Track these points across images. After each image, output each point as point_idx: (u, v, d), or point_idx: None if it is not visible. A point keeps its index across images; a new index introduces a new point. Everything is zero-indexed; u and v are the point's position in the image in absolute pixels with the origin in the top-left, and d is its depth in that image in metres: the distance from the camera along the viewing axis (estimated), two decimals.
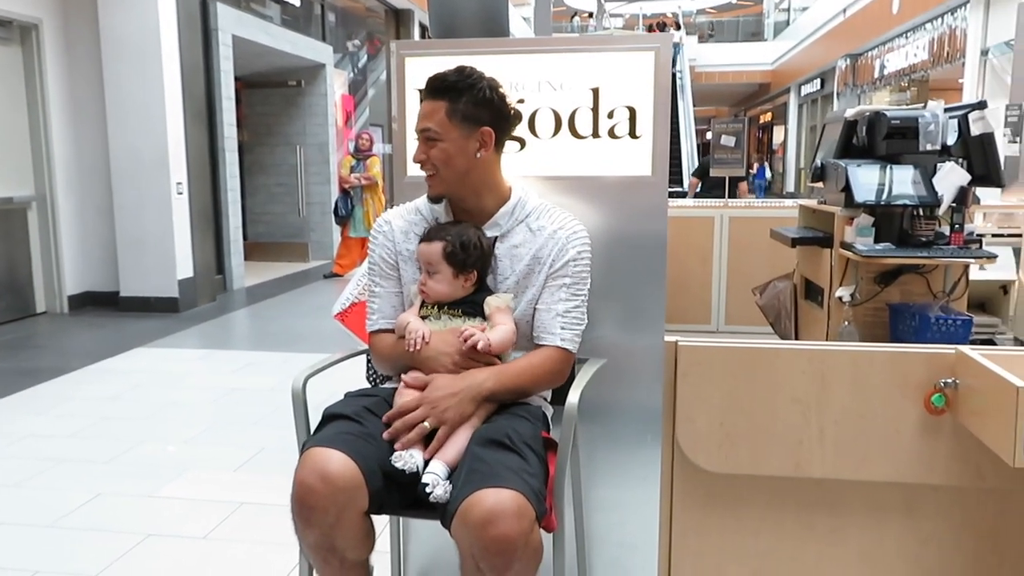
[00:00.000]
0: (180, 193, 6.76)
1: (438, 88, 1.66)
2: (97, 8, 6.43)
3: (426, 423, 1.54)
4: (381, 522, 1.65)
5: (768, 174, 21.68)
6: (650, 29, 22.76)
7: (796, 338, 3.28)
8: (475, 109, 1.65)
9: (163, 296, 6.68)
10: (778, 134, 24.97)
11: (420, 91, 1.72)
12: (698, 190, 9.23)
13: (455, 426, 1.55)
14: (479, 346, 1.61)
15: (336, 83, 10.62)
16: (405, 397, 1.61)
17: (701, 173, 9.36)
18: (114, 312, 6.67)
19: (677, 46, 19.13)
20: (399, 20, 12.80)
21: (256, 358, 5.20)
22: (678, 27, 22.11)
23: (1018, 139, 5.14)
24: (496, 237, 1.73)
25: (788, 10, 23.97)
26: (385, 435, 1.55)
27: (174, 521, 2.78)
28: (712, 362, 1.89)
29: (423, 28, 13.30)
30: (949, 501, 1.87)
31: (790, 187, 21.81)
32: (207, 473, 3.23)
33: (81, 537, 2.67)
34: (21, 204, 6.38)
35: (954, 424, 1.76)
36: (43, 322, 6.42)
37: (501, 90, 1.70)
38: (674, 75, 15.81)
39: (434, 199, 1.73)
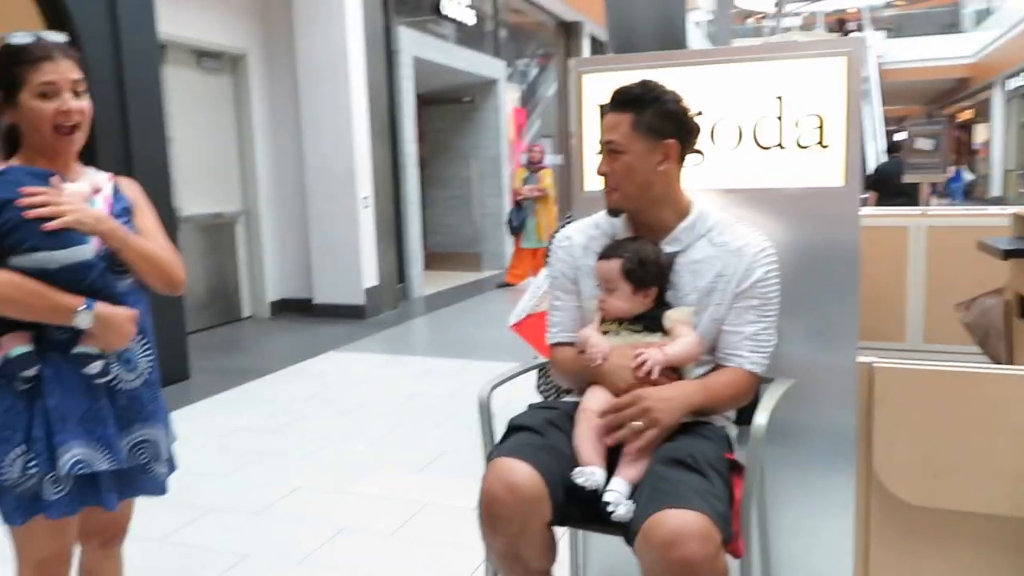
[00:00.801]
0: (366, 206, 7.20)
1: (623, 101, 1.67)
2: (294, 37, 7.00)
3: (639, 423, 1.54)
4: (559, 535, 1.67)
5: (968, 176, 19.84)
6: (831, 30, 21.53)
7: (1009, 361, 2.98)
8: (660, 122, 1.65)
9: (351, 303, 7.14)
10: (979, 133, 22.82)
11: (602, 105, 1.74)
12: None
13: (664, 431, 1.55)
14: (653, 374, 1.59)
15: (508, 97, 10.90)
16: (592, 401, 1.63)
17: (877, 182, 7.65)
18: (308, 317, 7.20)
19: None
20: (569, 33, 12.94)
21: (435, 364, 5.42)
22: (860, 27, 20.78)
23: None
24: (676, 252, 1.71)
25: None
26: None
27: (364, 516, 2.96)
28: (913, 386, 1.76)
29: (593, 40, 13.36)
30: None
31: (995, 191, 19.87)
32: (394, 472, 3.41)
33: (283, 526, 2.91)
34: (231, 218, 7.05)
35: None
36: (248, 326, 7.04)
37: (684, 103, 1.69)
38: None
39: (613, 212, 1.74)
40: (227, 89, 6.99)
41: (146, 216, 1.71)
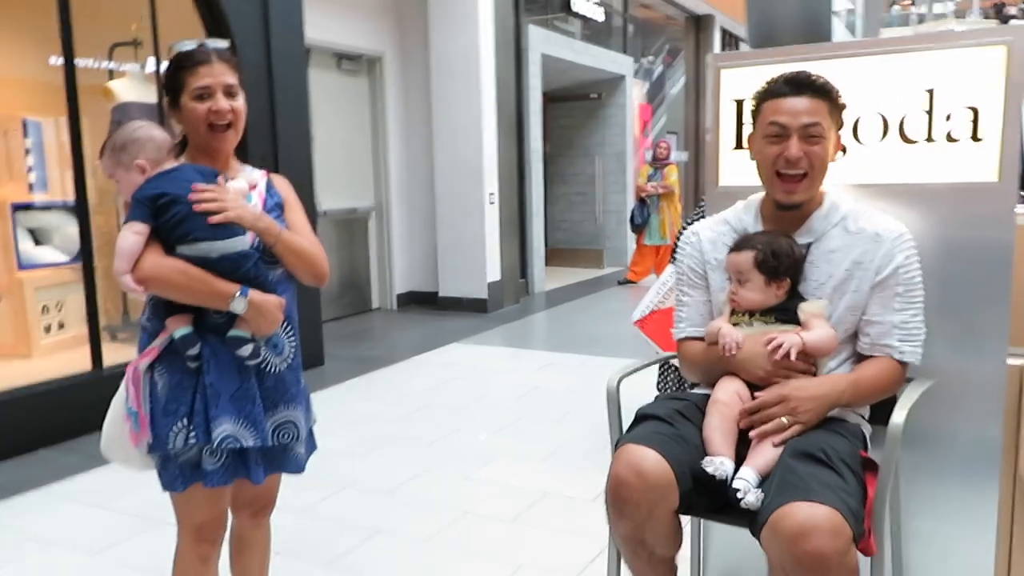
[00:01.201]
0: (492, 202, 7.35)
1: (816, 87, 1.64)
2: (428, 38, 7.23)
3: (784, 419, 1.55)
4: (684, 524, 1.69)
5: None
6: (987, 16, 20.03)
7: None
8: (839, 113, 1.68)
9: (474, 297, 7.32)
10: None
11: (776, 87, 1.67)
12: None
13: (809, 426, 1.55)
14: (791, 354, 1.58)
15: (635, 93, 10.82)
16: (723, 393, 1.64)
17: None
18: (433, 310, 7.44)
19: None
20: (699, 27, 12.70)
21: (555, 359, 5.49)
22: (1022, 12, 19.25)
23: None
24: (810, 243, 1.69)
25: None
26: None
27: (487, 502, 3.06)
28: None
29: (724, 34, 13.05)
30: None
31: None
32: (515, 462, 3.49)
33: (412, 506, 3.04)
34: (364, 214, 7.37)
35: None
36: (377, 317, 7.35)
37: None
38: None
39: (794, 205, 1.68)
40: (364, 90, 7.31)
41: (296, 212, 1.82)
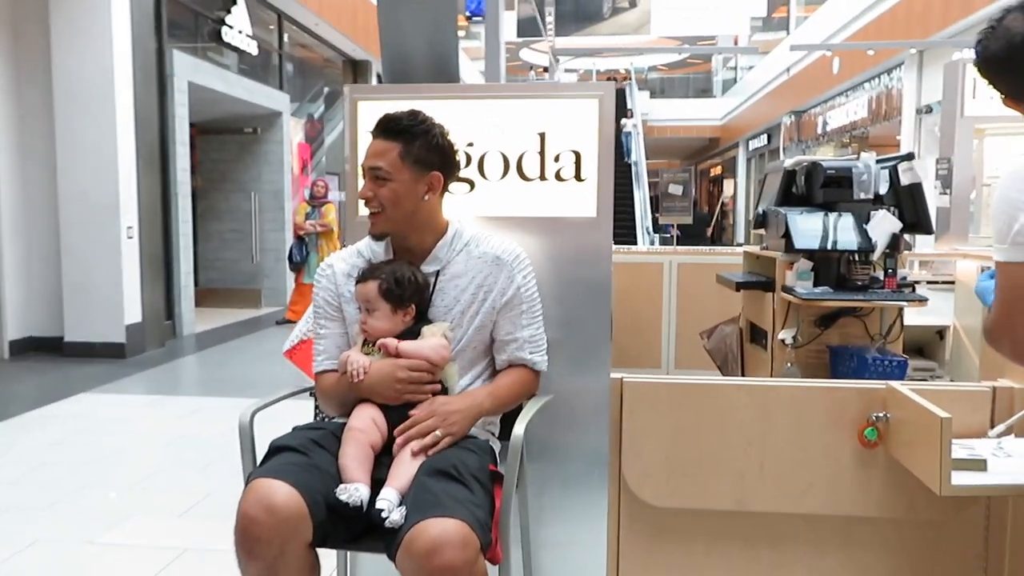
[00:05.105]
0: (130, 237, 6.68)
1: (392, 129, 1.71)
2: (50, 51, 6.41)
3: (438, 431, 1.61)
4: (327, 563, 1.64)
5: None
6: None
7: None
8: (427, 154, 1.72)
9: (110, 341, 6.54)
10: (728, 187, 25.64)
11: (371, 131, 1.76)
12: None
13: (458, 438, 1.64)
14: (389, 347, 1.68)
15: (293, 131, 10.66)
16: (358, 420, 1.64)
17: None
18: (58, 358, 6.50)
19: (627, 95, 19.59)
20: (356, 71, 12.97)
21: (205, 403, 5.10)
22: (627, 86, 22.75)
23: (948, 191, 5.38)
24: (438, 271, 1.77)
25: (736, 68, 24.86)
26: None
27: (115, 568, 2.70)
28: (657, 397, 1.94)
29: (379, 78, 13.48)
30: (885, 533, 1.92)
31: (740, 238, 22.34)
32: (150, 519, 3.14)
33: None
34: None
35: (887, 457, 1.83)
36: None
37: (450, 137, 1.77)
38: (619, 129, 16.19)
39: (377, 236, 1.78)
40: None
41: None
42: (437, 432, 1.61)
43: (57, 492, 3.41)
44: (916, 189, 3.09)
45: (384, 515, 1.47)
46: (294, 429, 1.69)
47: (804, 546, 1.94)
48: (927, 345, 4.25)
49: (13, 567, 2.70)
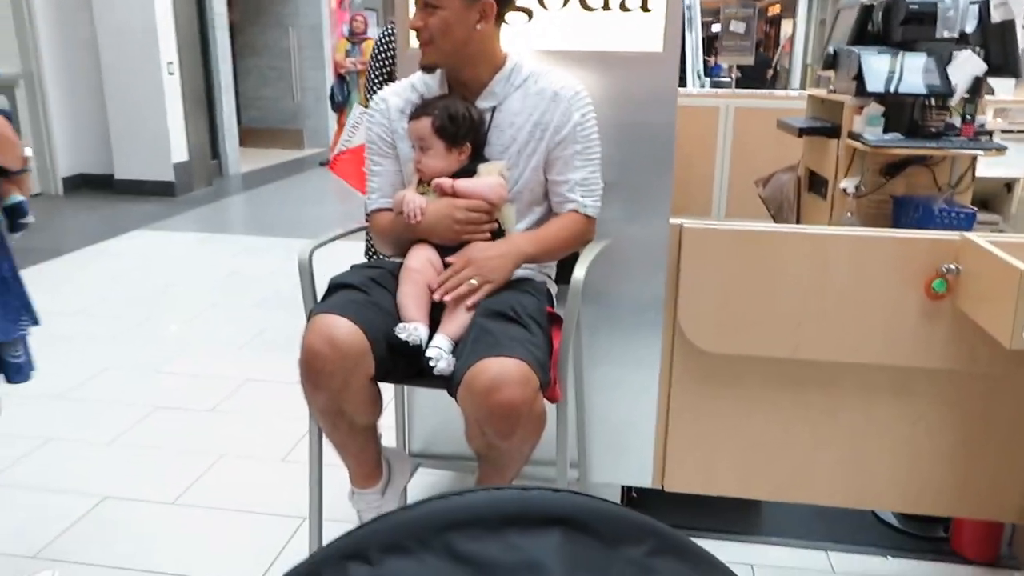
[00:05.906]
0: (171, 73, 6.57)
1: None
2: None
3: (474, 280, 1.56)
4: (387, 395, 1.68)
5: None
6: None
7: None
8: None
9: (159, 180, 6.61)
10: (786, 27, 24.19)
11: None
12: None
13: (499, 284, 1.58)
14: (445, 186, 1.61)
15: None
16: (415, 260, 1.62)
17: None
18: (110, 194, 6.60)
19: None
20: None
21: (254, 243, 5.19)
22: None
23: None
24: (494, 107, 1.69)
25: None
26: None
27: (181, 395, 2.84)
28: (717, 244, 1.89)
29: None
30: (941, 384, 1.91)
31: (795, 84, 21.32)
32: (211, 350, 3.27)
33: (91, 408, 2.74)
34: (8, 81, 6.20)
35: (953, 309, 1.78)
36: (38, 204, 6.35)
37: None
38: None
39: (427, 68, 1.68)
40: None
41: None
42: (473, 281, 1.57)
43: (119, 325, 3.55)
44: (1008, 27, 2.84)
45: (432, 363, 1.49)
46: (352, 267, 1.69)
47: (856, 393, 1.94)
48: (993, 198, 4.07)
49: (89, 391, 2.86)
